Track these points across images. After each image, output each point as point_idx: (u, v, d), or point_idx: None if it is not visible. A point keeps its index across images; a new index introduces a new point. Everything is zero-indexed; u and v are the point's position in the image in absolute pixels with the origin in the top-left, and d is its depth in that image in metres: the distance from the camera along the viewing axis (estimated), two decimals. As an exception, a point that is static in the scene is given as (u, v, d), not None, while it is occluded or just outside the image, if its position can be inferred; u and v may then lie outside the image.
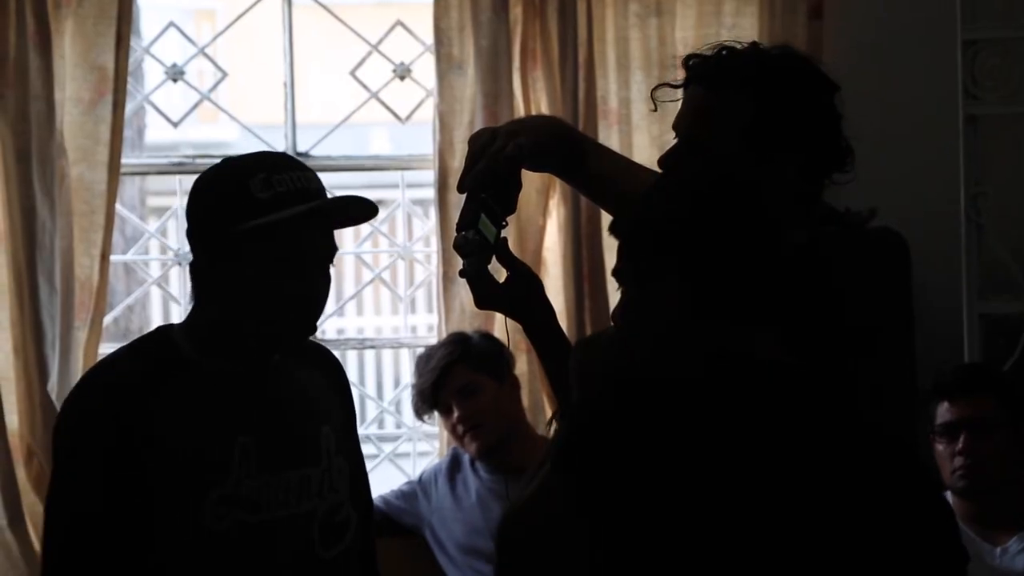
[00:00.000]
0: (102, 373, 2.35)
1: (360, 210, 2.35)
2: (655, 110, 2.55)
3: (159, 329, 2.39)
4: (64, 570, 2.25)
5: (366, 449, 4.51)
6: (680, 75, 2.38)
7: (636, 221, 2.06)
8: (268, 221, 2.23)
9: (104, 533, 2.21)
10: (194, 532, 2.23)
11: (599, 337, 2.26)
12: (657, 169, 2.37)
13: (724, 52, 2.33)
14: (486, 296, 2.40)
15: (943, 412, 3.56)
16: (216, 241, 2.27)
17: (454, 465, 3.87)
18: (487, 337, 3.87)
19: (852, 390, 2.05)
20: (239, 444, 2.27)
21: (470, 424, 3.76)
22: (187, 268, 4.22)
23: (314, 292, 2.30)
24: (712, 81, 2.31)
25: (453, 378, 3.78)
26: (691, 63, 2.35)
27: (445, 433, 4.05)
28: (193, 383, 2.28)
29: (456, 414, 3.77)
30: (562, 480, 1.97)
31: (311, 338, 2.47)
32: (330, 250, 2.33)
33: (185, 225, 2.34)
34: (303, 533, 2.32)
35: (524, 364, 4.06)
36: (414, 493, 3.90)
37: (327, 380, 2.46)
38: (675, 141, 2.37)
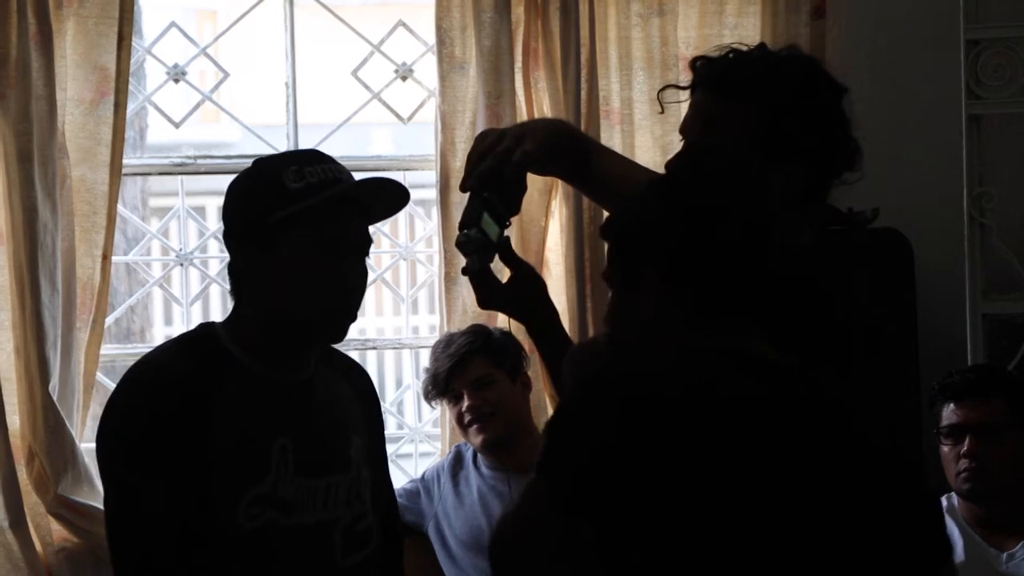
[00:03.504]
0: (155, 374, 2.32)
1: (391, 195, 2.35)
2: (662, 112, 2.56)
3: (204, 328, 2.39)
4: (139, 568, 2.25)
5: (368, 450, 4.54)
6: (685, 75, 2.38)
7: (624, 223, 2.06)
8: (299, 208, 2.24)
9: (170, 530, 2.22)
10: (228, 529, 2.24)
11: (590, 343, 2.27)
12: (661, 172, 2.37)
13: (731, 55, 2.32)
14: (489, 295, 2.40)
15: (949, 414, 3.54)
16: (251, 234, 2.29)
17: (457, 462, 3.88)
18: (507, 334, 3.87)
19: (847, 390, 2.05)
20: (278, 446, 2.28)
21: (478, 414, 3.77)
22: (188, 269, 4.25)
23: (349, 279, 2.30)
24: (720, 88, 2.30)
25: (470, 367, 3.79)
26: (698, 65, 2.35)
27: (447, 434, 4.05)
28: (241, 384, 2.29)
29: (466, 403, 3.78)
30: (542, 485, 1.97)
31: (337, 347, 2.47)
32: (364, 240, 2.34)
33: (221, 227, 2.37)
34: (326, 539, 2.33)
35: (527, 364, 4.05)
36: (416, 491, 3.91)
37: (355, 391, 2.48)
38: (680, 144, 2.37)
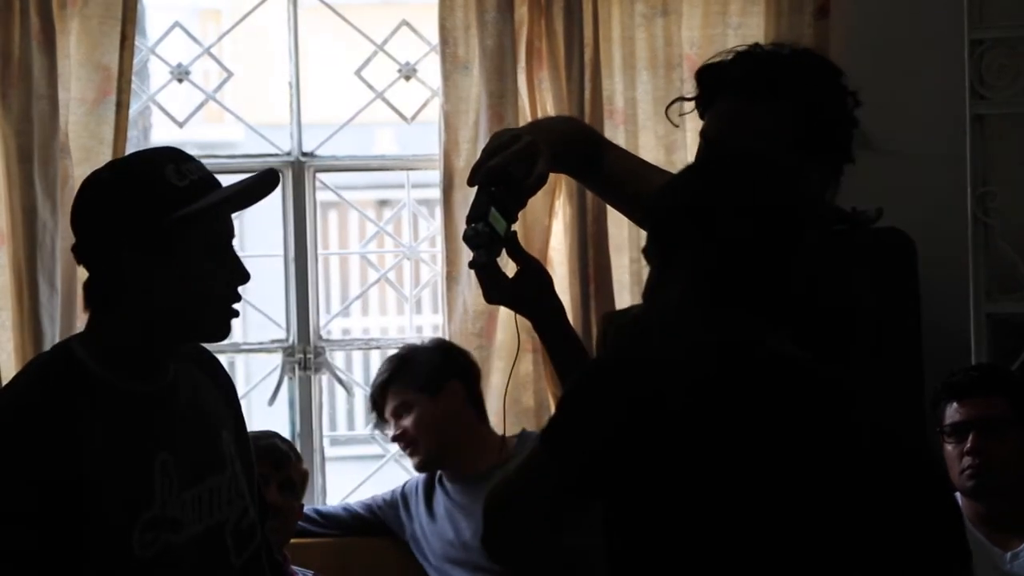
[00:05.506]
0: (13, 406, 2.19)
1: (268, 187, 2.30)
2: (677, 127, 2.55)
3: (60, 349, 2.28)
4: None
5: (373, 449, 4.55)
6: (691, 75, 2.37)
7: (665, 202, 2.06)
8: (201, 206, 2.18)
9: (34, 573, 2.10)
10: (123, 561, 2.15)
11: (626, 312, 2.26)
12: (670, 170, 2.37)
13: (743, 57, 2.32)
14: (495, 290, 2.39)
15: (952, 412, 3.54)
16: (142, 236, 2.19)
17: (430, 478, 3.91)
18: (430, 348, 3.91)
19: (860, 388, 2.05)
20: (159, 463, 2.20)
21: (403, 442, 3.85)
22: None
23: (243, 271, 2.25)
24: (744, 89, 2.29)
25: (388, 397, 3.85)
26: (716, 72, 2.33)
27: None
28: (109, 406, 2.19)
29: (392, 432, 3.87)
30: (543, 455, 1.97)
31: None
32: (233, 230, 2.29)
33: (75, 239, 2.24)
34: (218, 544, 2.27)
35: (529, 363, 4.05)
36: (395, 503, 3.94)
37: (214, 382, 2.39)
38: (685, 143, 2.36)
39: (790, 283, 2.00)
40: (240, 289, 2.26)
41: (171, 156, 2.24)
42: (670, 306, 2.03)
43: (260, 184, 2.28)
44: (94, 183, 2.28)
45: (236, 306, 2.26)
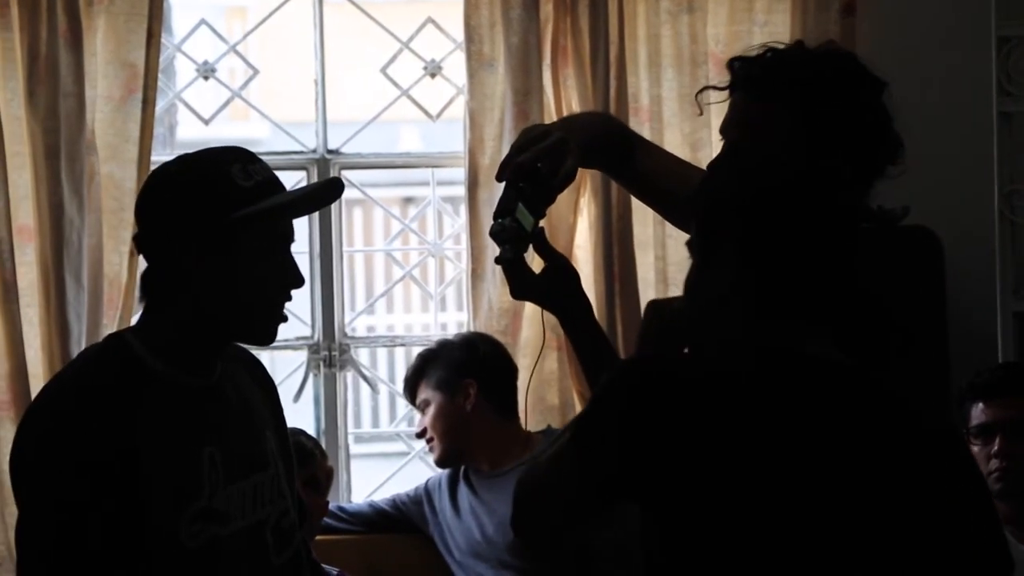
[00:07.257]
0: (71, 388, 2.22)
1: (332, 194, 2.34)
2: (701, 114, 2.54)
3: (115, 339, 2.30)
4: None
5: (397, 446, 4.56)
6: (715, 73, 2.37)
7: (707, 198, 2.05)
8: (265, 207, 2.20)
9: (91, 561, 2.11)
10: (171, 551, 2.17)
11: (668, 304, 2.25)
12: (702, 168, 2.36)
13: (770, 55, 2.31)
14: (522, 286, 2.38)
15: (979, 413, 3.52)
16: (205, 233, 2.20)
17: (455, 474, 3.94)
18: (457, 345, 3.93)
19: (902, 390, 2.04)
20: (207, 456, 2.22)
21: (425, 438, 3.91)
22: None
23: (299, 273, 2.27)
24: (761, 89, 2.29)
25: (413, 395, 3.94)
26: (737, 66, 2.33)
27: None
28: (161, 396, 2.21)
29: (416, 429, 3.97)
30: (570, 449, 1.97)
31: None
32: (293, 234, 2.31)
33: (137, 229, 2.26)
34: (260, 540, 2.29)
35: (554, 361, 4.05)
36: (419, 500, 3.98)
37: (257, 383, 2.42)
38: (709, 142, 2.36)
39: (831, 286, 1.99)
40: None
41: (239, 156, 2.26)
42: (710, 306, 2.02)
43: (324, 191, 2.32)
44: (160, 176, 2.29)
45: (284, 306, 2.28)
